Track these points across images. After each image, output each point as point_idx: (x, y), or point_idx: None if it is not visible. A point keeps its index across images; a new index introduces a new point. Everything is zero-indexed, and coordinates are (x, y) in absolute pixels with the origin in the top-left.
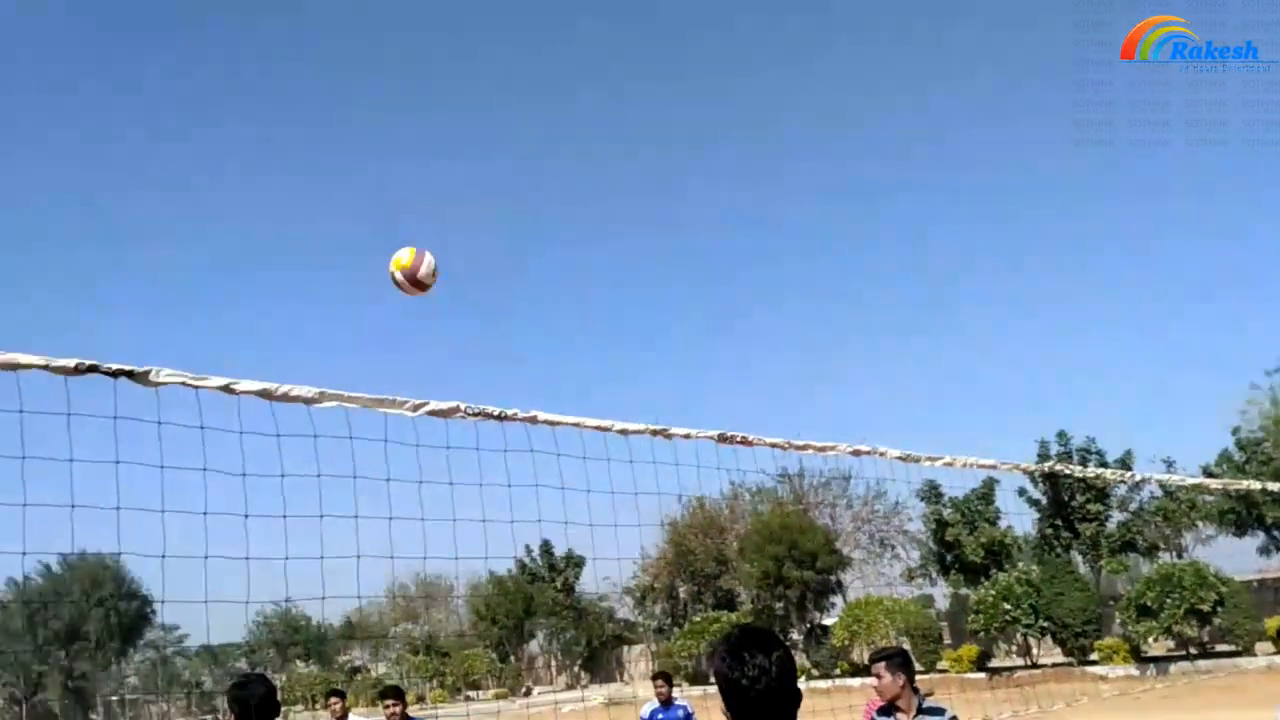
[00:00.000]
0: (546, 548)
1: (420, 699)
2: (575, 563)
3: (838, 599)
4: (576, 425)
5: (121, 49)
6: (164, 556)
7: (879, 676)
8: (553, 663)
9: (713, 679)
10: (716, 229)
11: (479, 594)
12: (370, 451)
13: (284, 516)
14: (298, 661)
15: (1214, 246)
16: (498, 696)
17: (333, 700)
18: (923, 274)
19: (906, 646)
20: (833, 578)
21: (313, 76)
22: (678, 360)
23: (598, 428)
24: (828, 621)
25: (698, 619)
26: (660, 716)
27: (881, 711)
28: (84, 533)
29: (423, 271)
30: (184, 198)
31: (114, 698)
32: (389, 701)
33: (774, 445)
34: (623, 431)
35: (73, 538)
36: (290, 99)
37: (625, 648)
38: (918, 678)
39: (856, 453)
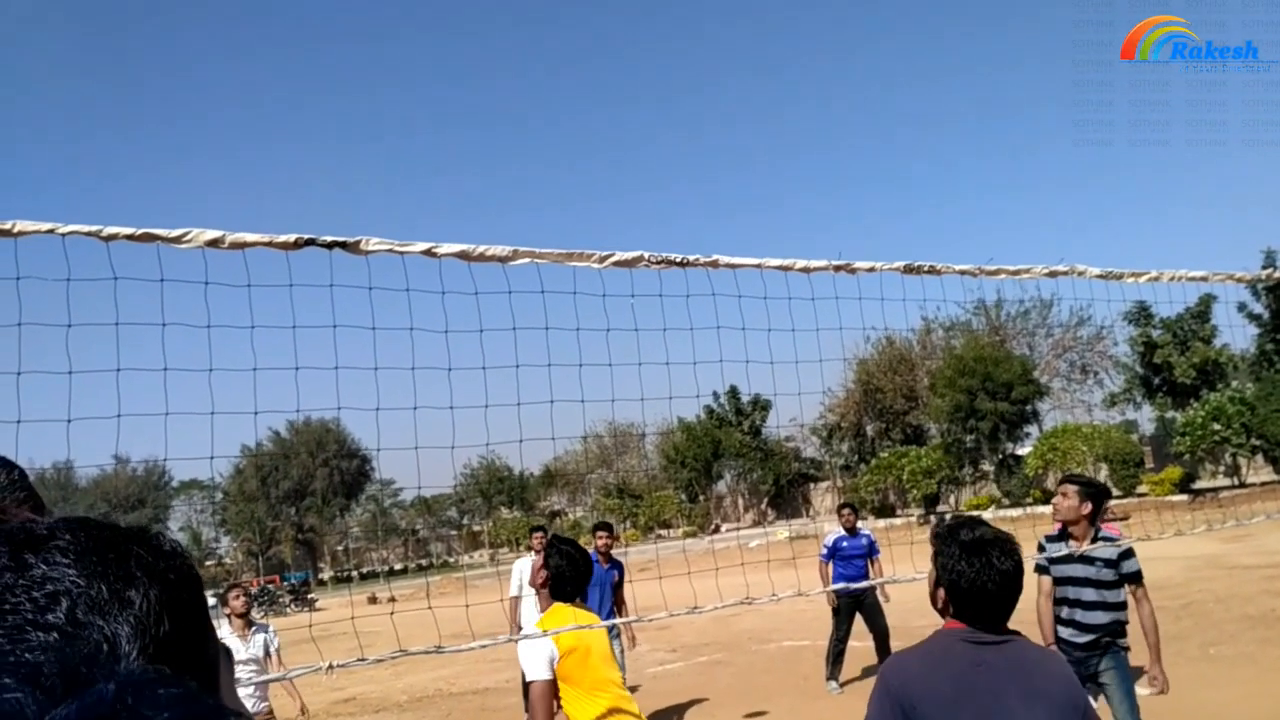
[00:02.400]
0: (734, 393)
1: (615, 538)
2: (762, 406)
3: (1033, 428)
4: (758, 266)
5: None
6: (378, 409)
7: (1063, 495)
8: (740, 501)
9: (939, 569)
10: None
11: (668, 439)
12: (561, 304)
13: (483, 369)
14: (502, 509)
15: None
16: (686, 535)
17: (536, 535)
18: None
19: (1105, 471)
20: (1029, 407)
21: None
22: (856, 197)
23: (780, 267)
24: (1022, 451)
25: (885, 454)
26: (845, 544)
27: (1053, 538)
28: (307, 396)
29: None
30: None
31: (339, 547)
32: (601, 534)
33: (963, 272)
34: (805, 269)
35: (298, 400)
36: None
37: (811, 485)
38: (1116, 503)
39: (1053, 274)
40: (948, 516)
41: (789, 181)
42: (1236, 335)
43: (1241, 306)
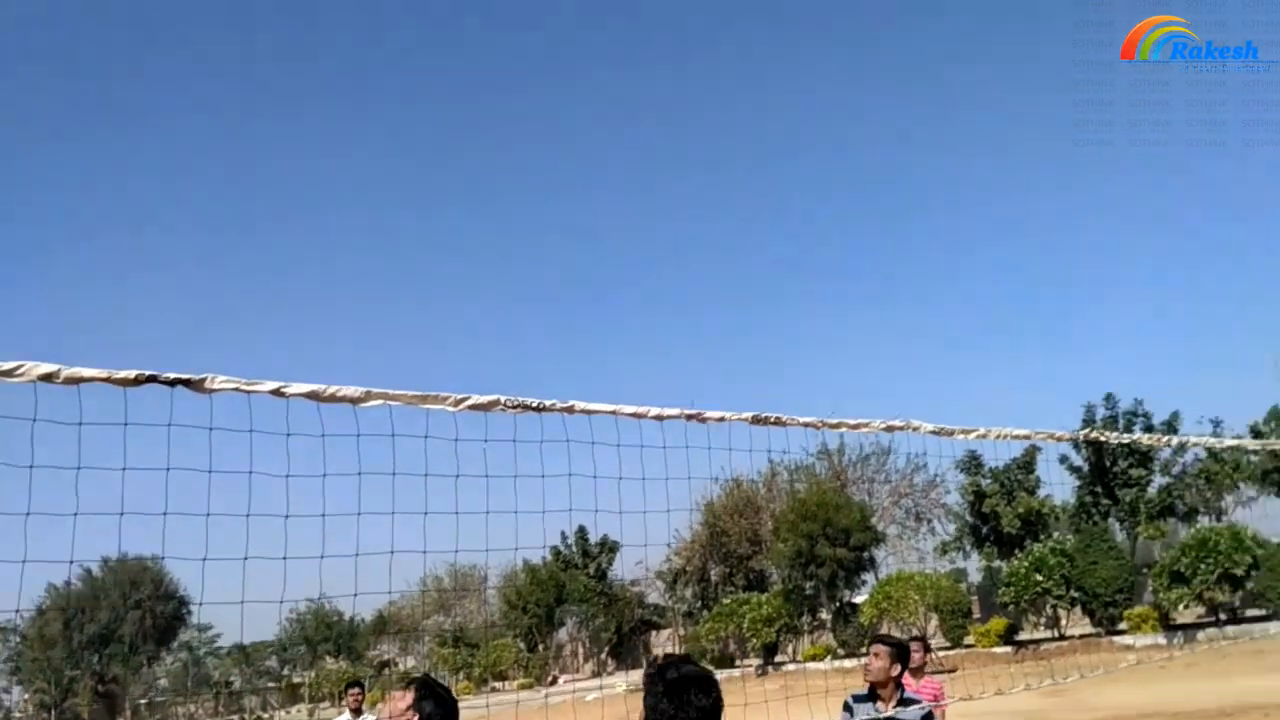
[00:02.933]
0: (581, 534)
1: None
2: (609, 548)
3: (869, 576)
4: (613, 413)
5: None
6: (205, 559)
7: (876, 655)
8: (580, 650)
9: (645, 708)
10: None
11: (511, 583)
12: (411, 448)
13: (323, 515)
14: (328, 658)
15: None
16: (522, 687)
17: (352, 691)
18: (954, 240)
19: (935, 621)
20: (865, 554)
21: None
22: (709, 346)
23: (633, 415)
24: (857, 600)
25: (727, 601)
26: None
27: (860, 698)
28: (130, 538)
29: None
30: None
31: (143, 700)
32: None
33: (808, 425)
34: (658, 417)
35: (119, 543)
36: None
37: (653, 632)
38: (944, 654)
39: (890, 428)
40: (659, 657)
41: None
42: (1058, 487)
43: (1063, 459)
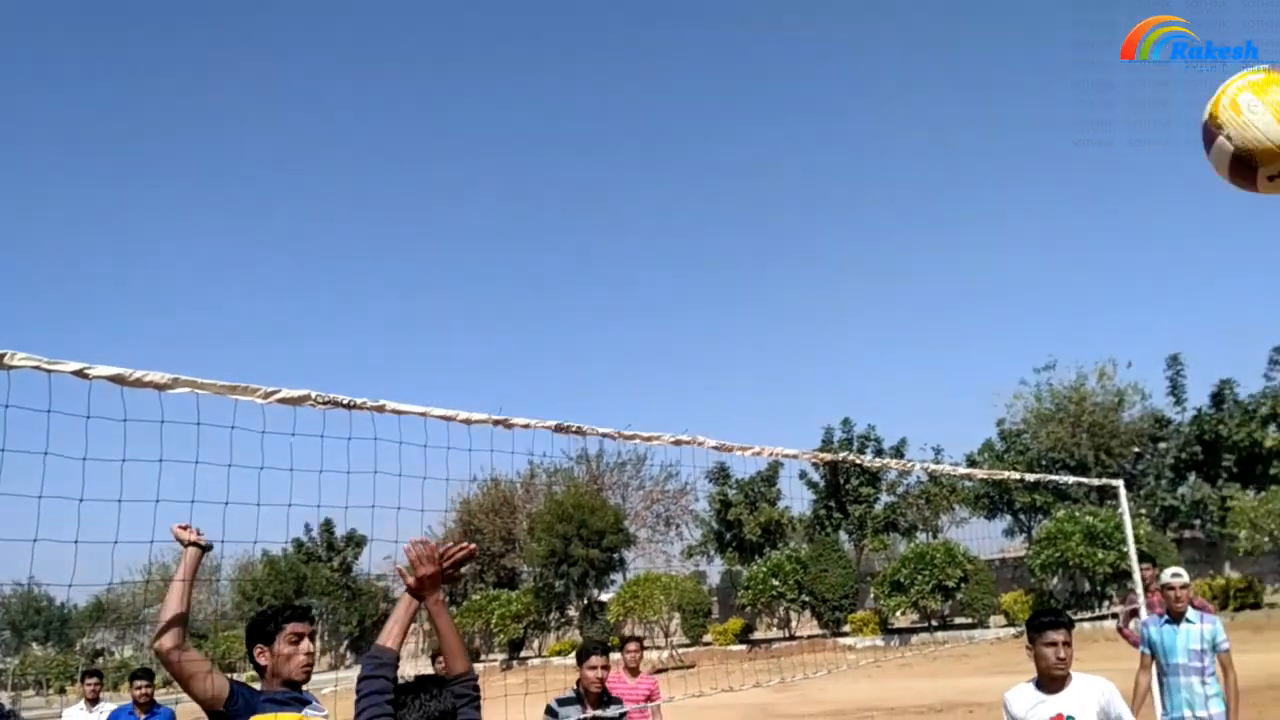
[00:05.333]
0: (327, 527)
1: (168, 683)
2: (356, 542)
3: (618, 576)
4: (423, 414)
5: None
6: None
7: (596, 668)
8: (317, 643)
9: None
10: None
11: (247, 574)
12: (217, 437)
13: (39, 497)
14: (34, 644)
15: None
16: (251, 679)
17: (90, 681)
18: (724, 272)
19: (677, 620)
20: (616, 555)
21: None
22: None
23: (443, 417)
24: (605, 598)
25: (476, 597)
26: None
27: (565, 701)
28: None
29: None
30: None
31: None
32: (140, 683)
33: (605, 435)
34: (467, 421)
35: None
36: None
37: None
38: (683, 650)
39: (678, 442)
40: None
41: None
42: (797, 500)
43: (803, 474)
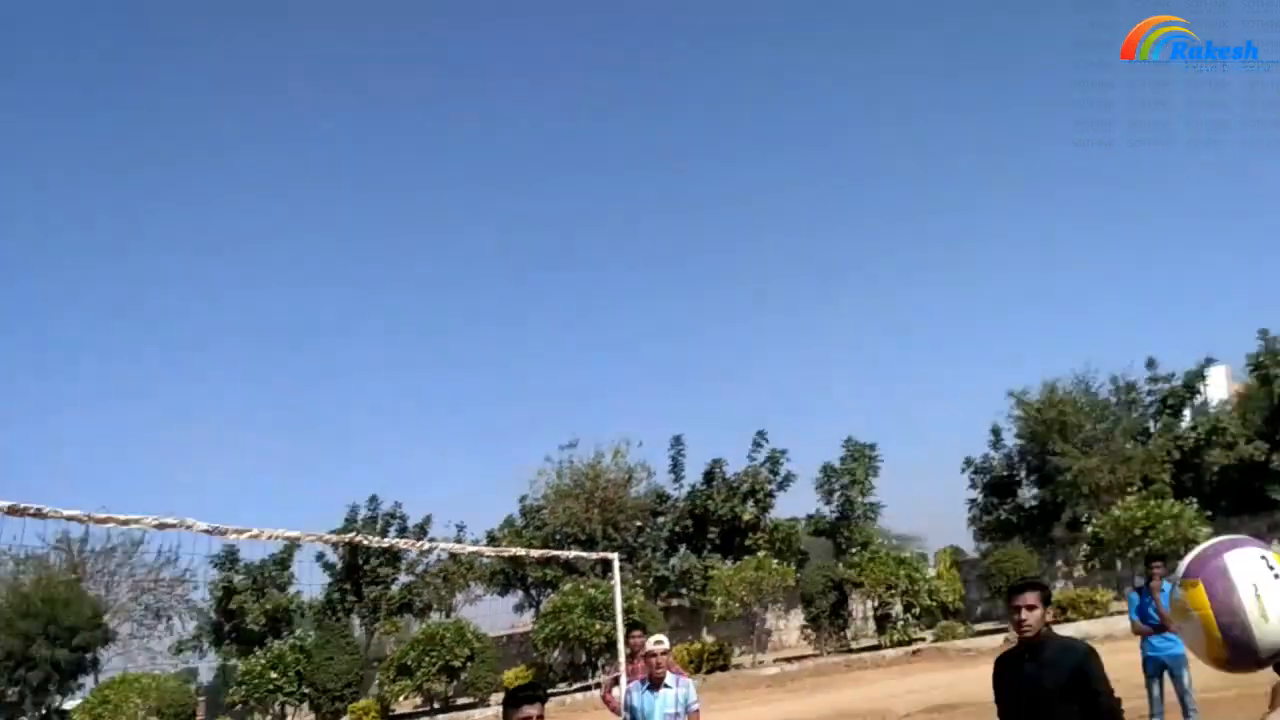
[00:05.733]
0: None
1: None
2: None
3: (89, 679)
4: None
5: None
6: None
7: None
8: None
9: None
10: None
11: None
12: None
13: None
14: None
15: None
16: None
17: None
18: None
19: None
20: (89, 655)
21: None
22: None
23: None
24: (70, 705)
25: None
26: None
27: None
28: None
29: None
30: None
31: None
32: None
33: (71, 518)
34: None
35: None
36: None
37: None
38: None
39: (161, 525)
40: None
41: None
42: (311, 585)
43: (320, 556)
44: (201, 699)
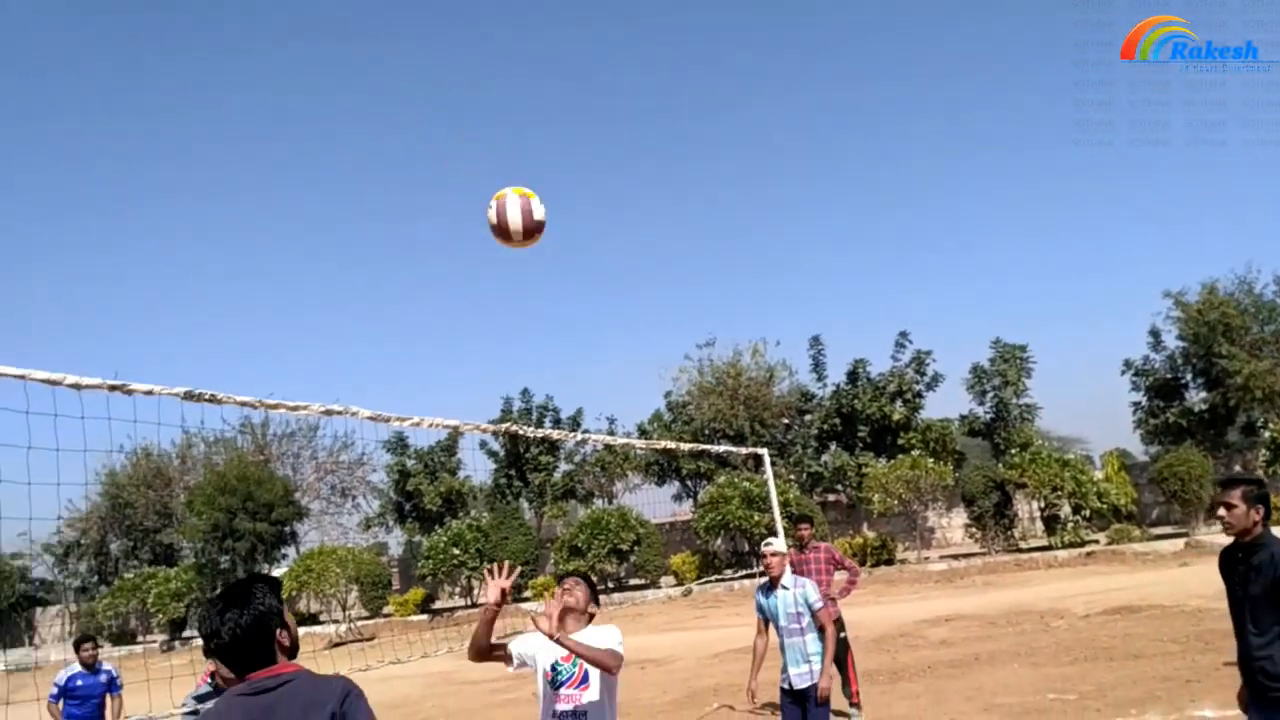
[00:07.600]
0: None
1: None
2: None
3: (290, 550)
4: (21, 378)
5: None
6: None
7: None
8: None
9: None
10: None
11: None
12: None
13: None
14: None
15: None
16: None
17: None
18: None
19: (355, 592)
20: (287, 529)
21: None
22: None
23: (46, 381)
24: (277, 572)
25: (129, 575)
26: (80, 682)
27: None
28: None
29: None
30: None
31: None
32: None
33: (244, 404)
34: (75, 386)
35: None
36: None
37: (39, 609)
38: (363, 623)
39: (329, 412)
40: None
41: None
42: (479, 470)
43: (483, 444)
44: (394, 569)
